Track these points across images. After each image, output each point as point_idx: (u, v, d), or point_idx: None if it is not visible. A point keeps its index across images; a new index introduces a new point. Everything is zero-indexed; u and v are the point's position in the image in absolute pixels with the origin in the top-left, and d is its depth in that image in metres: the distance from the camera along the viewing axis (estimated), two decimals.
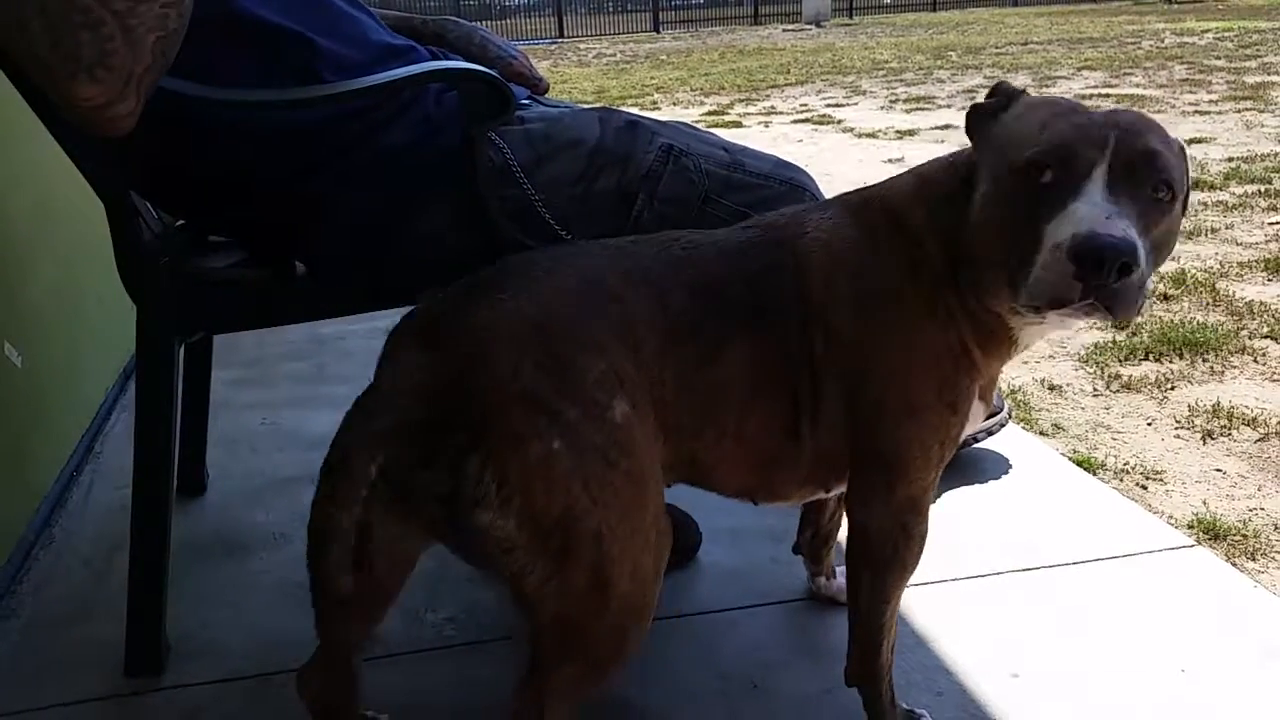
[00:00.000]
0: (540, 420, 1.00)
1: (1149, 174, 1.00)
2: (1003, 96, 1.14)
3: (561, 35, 23.63)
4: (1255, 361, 2.64)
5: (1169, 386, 2.52)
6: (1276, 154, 5.29)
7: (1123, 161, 0.99)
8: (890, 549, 1.20)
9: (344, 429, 1.07)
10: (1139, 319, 0.90)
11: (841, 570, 1.56)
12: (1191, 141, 5.77)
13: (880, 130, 7.00)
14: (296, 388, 2.62)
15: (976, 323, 1.14)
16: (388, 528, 1.06)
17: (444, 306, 1.11)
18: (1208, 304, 3.09)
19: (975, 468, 2.01)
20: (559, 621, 1.05)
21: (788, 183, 1.51)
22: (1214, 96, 7.53)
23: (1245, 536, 1.82)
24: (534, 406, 1.01)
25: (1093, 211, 0.96)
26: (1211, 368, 2.62)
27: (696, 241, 1.21)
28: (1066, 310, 0.98)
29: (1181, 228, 1.10)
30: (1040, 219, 0.99)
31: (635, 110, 1.55)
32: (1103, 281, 0.94)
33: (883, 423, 1.15)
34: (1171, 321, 2.93)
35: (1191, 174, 4.87)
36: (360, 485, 1.01)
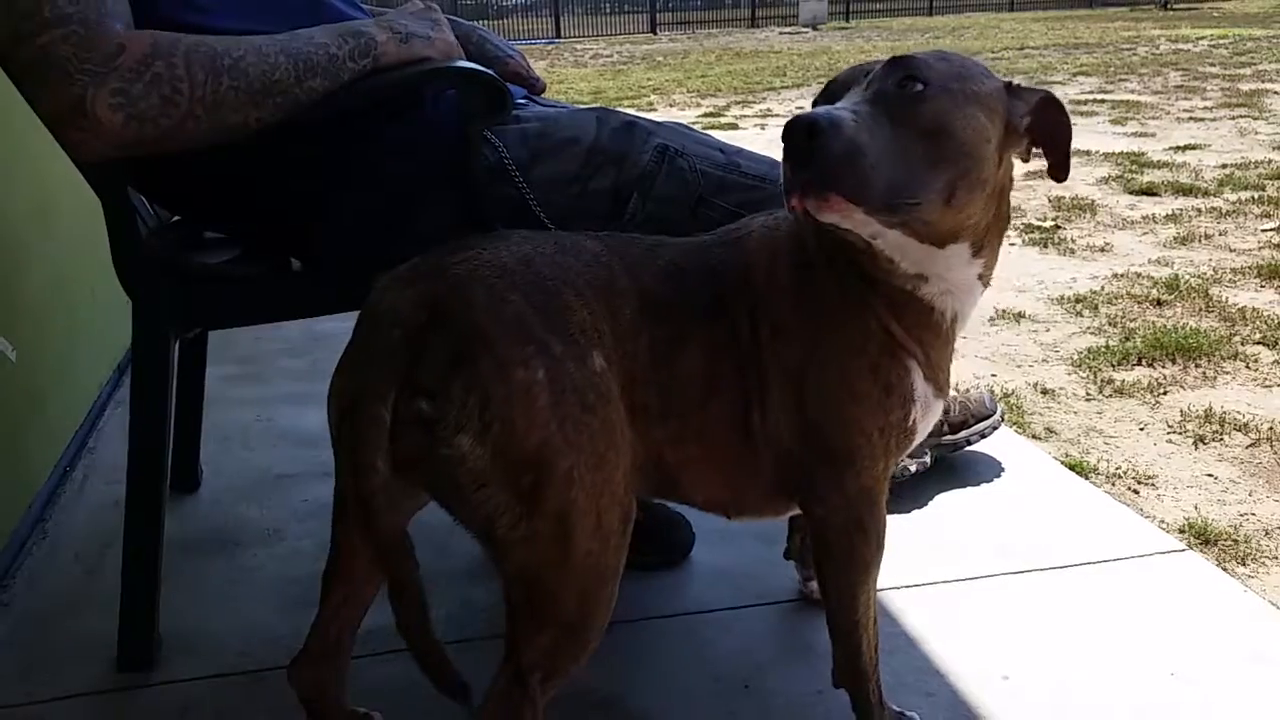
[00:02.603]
0: (527, 348, 1.02)
1: (893, 73, 1.03)
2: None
3: (558, 35, 23.63)
4: (1247, 367, 2.65)
5: (1161, 391, 2.53)
6: (1270, 161, 5.31)
7: (877, 76, 1.04)
8: (847, 544, 1.19)
9: (344, 372, 1.10)
10: (895, 218, 0.87)
11: None
12: (1186, 148, 5.79)
13: None
14: (291, 384, 2.62)
15: (890, 300, 1.14)
16: (370, 470, 1.05)
17: (424, 260, 1.12)
18: (1201, 309, 3.10)
19: (968, 471, 2.02)
20: (524, 574, 1.06)
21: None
22: (1208, 103, 7.55)
23: (1236, 541, 1.83)
24: (521, 333, 1.03)
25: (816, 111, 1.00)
26: (1204, 373, 2.63)
27: (663, 239, 1.24)
28: (798, 200, 0.99)
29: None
30: None
31: (632, 111, 1.55)
32: (794, 152, 0.97)
33: (824, 410, 1.15)
34: (1164, 327, 2.94)
35: (1186, 180, 4.91)
36: (383, 426, 1.01)
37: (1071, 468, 2.09)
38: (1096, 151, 5.81)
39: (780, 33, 20.69)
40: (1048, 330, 3.03)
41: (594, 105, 1.51)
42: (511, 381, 1.01)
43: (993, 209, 1.11)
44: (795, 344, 1.15)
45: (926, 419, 1.20)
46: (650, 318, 1.14)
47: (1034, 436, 2.31)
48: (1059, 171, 1.15)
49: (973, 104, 1.04)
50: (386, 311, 1.06)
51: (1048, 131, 1.11)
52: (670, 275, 1.18)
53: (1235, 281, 3.37)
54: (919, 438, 1.21)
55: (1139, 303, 3.20)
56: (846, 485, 1.17)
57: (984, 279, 1.18)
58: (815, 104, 1.06)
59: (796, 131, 0.96)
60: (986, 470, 2.03)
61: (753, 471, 1.20)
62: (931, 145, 1.01)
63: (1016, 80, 1.12)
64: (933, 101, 1.01)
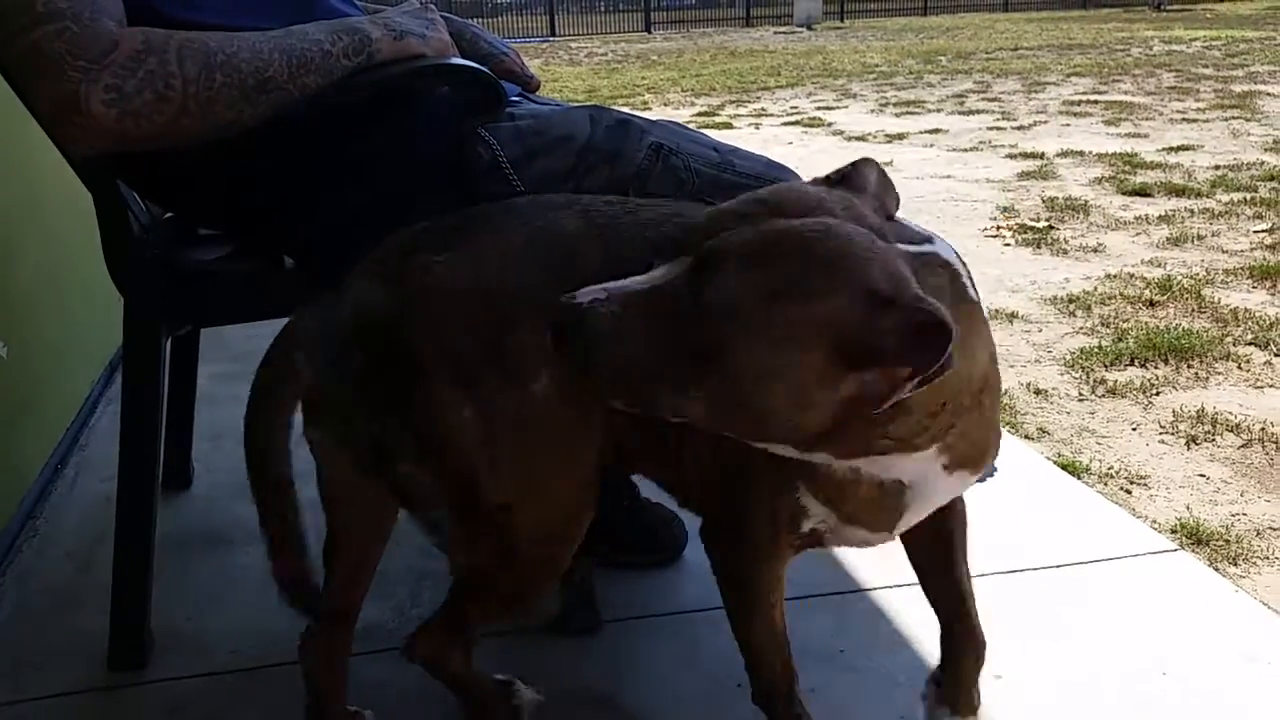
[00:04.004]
0: (458, 390, 1.04)
1: (694, 272, 0.86)
2: None
3: (553, 34, 23.62)
4: (1239, 368, 2.65)
5: (1154, 392, 2.53)
6: (1263, 162, 5.33)
7: (685, 266, 0.87)
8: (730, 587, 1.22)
9: (285, 332, 1.19)
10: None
11: None
12: (1179, 149, 5.80)
13: (870, 134, 7.01)
14: None
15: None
16: (340, 465, 1.16)
17: (399, 248, 1.15)
18: (1193, 310, 3.11)
19: None
20: (468, 569, 1.15)
21: (776, 182, 1.51)
22: (1201, 104, 7.57)
23: (1228, 542, 1.83)
24: (455, 373, 1.05)
25: None
26: (1196, 374, 2.63)
27: (658, 202, 1.23)
28: None
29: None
30: None
31: (626, 110, 1.55)
32: (556, 330, 0.89)
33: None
34: (1157, 327, 2.94)
35: (1179, 181, 4.92)
36: (292, 379, 1.14)
37: (1064, 468, 2.09)
38: (1089, 152, 5.83)
39: (775, 32, 20.70)
40: (1040, 330, 3.04)
41: (588, 103, 1.50)
42: (445, 422, 1.05)
43: (864, 421, 0.86)
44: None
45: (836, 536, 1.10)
46: None
47: (1026, 437, 2.31)
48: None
49: (768, 336, 0.81)
50: (347, 319, 1.11)
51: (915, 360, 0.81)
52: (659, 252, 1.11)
53: (1228, 282, 3.38)
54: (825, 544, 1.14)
55: (1132, 303, 3.21)
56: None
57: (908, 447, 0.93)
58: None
59: (563, 310, 0.87)
60: None
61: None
62: (700, 370, 0.84)
63: (917, 289, 0.83)
64: (711, 327, 0.82)
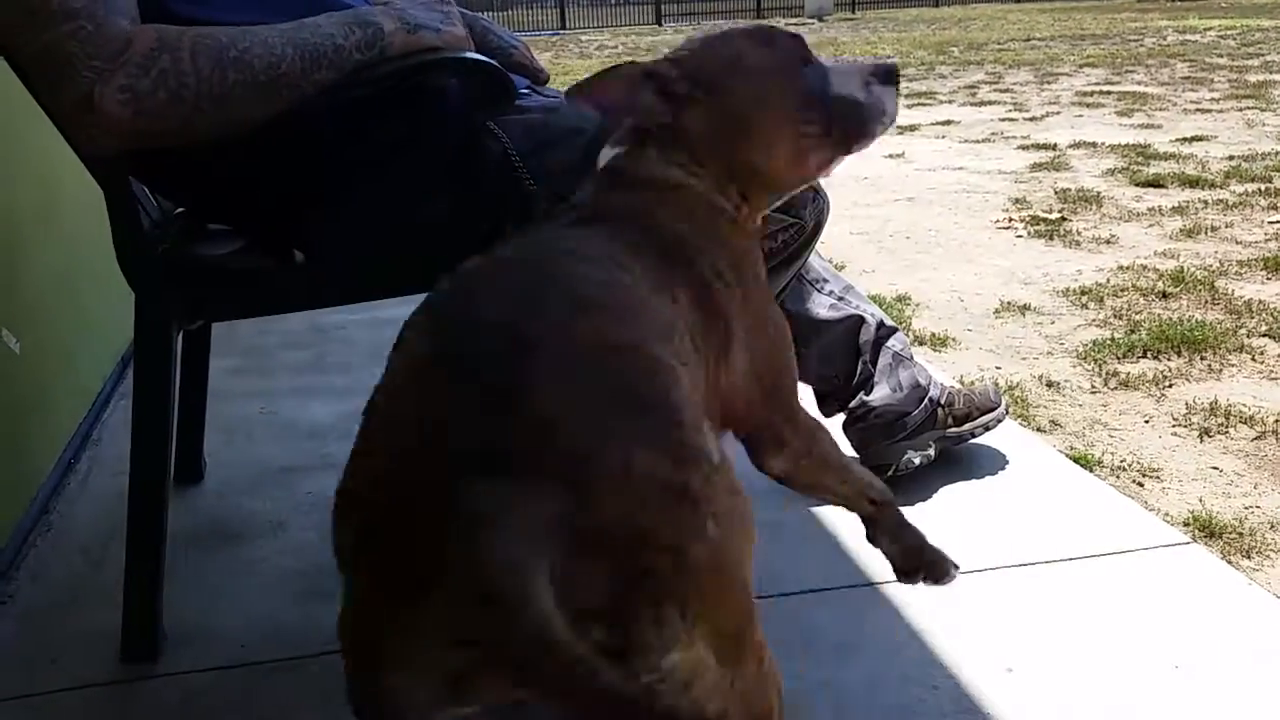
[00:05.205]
0: (685, 510, 0.75)
1: None
2: None
3: (563, 27, 23.59)
4: (1253, 360, 2.64)
5: (1167, 384, 2.52)
6: (1277, 153, 5.29)
7: None
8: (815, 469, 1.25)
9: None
10: None
11: None
12: (1193, 140, 5.77)
13: None
14: (295, 377, 2.62)
15: None
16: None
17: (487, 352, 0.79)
18: (1206, 302, 3.09)
19: (972, 463, 2.01)
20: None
21: None
22: (1215, 95, 7.52)
23: (1241, 534, 1.82)
24: (665, 493, 0.75)
25: None
26: (1209, 366, 2.62)
27: (562, 241, 1.07)
28: None
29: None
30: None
31: None
32: None
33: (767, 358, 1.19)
34: (1170, 319, 2.93)
35: (1192, 172, 4.89)
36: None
37: (1076, 460, 2.08)
38: (1103, 143, 5.79)
39: (786, 24, 20.61)
40: (1053, 323, 3.03)
41: None
42: (699, 562, 0.75)
43: None
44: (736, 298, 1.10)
45: None
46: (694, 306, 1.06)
47: (1039, 429, 2.30)
48: None
49: None
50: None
51: None
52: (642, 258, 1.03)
53: (1241, 274, 3.36)
54: None
55: (1145, 295, 3.19)
56: (799, 422, 1.19)
57: None
58: None
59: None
60: (991, 463, 2.02)
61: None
62: None
63: None
64: None
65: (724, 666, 0.78)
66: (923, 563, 1.32)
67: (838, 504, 1.32)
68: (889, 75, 1.21)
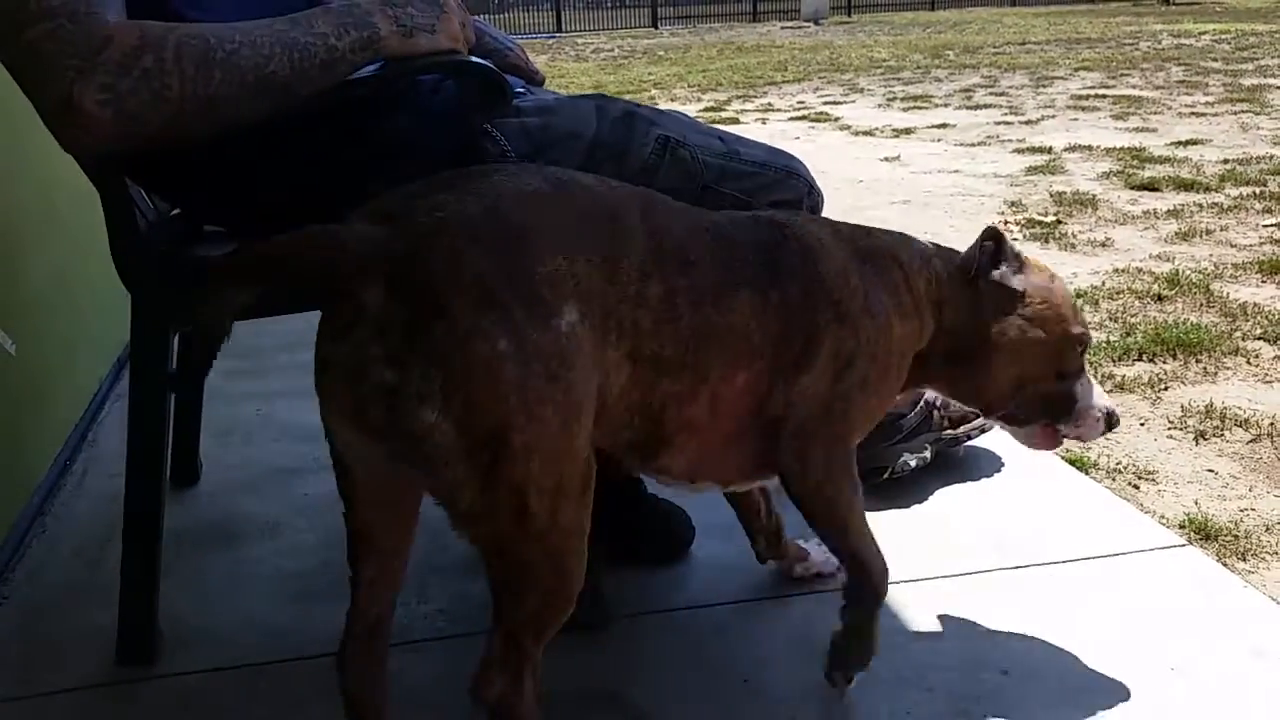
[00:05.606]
0: (486, 317, 0.98)
1: None
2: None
3: (559, 30, 23.60)
4: (1248, 363, 2.65)
5: (1162, 387, 2.53)
6: (1272, 156, 5.31)
7: None
8: (830, 497, 1.33)
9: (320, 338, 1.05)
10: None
11: (813, 542, 1.62)
12: (1188, 143, 5.78)
13: (877, 128, 7.00)
14: (291, 379, 2.62)
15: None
16: (358, 451, 1.08)
17: (391, 202, 1.08)
18: (1201, 305, 3.10)
19: (968, 466, 2.02)
20: (490, 546, 1.07)
21: (783, 169, 1.54)
22: (1210, 98, 7.54)
23: (1236, 537, 1.83)
24: (483, 299, 0.98)
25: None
26: (1205, 368, 2.62)
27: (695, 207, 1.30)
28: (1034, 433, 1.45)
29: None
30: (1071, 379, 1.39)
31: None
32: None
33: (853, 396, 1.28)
34: (1165, 322, 2.94)
35: (1187, 176, 4.90)
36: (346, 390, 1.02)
37: (1072, 463, 2.09)
38: (1098, 147, 5.81)
39: (782, 27, 20.66)
40: None
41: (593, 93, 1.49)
42: (471, 354, 0.97)
43: None
44: (854, 340, 1.26)
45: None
46: (670, 267, 1.14)
47: None
48: None
49: None
50: (353, 273, 1.00)
51: None
52: (706, 230, 1.21)
53: (1236, 277, 3.37)
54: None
55: (1140, 298, 3.20)
56: (834, 455, 1.29)
57: None
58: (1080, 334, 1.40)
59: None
60: (987, 465, 2.03)
61: (743, 448, 1.26)
62: None
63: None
64: None
65: (470, 471, 1.00)
66: (859, 660, 1.37)
67: (841, 559, 1.38)
68: (1110, 420, 1.41)
